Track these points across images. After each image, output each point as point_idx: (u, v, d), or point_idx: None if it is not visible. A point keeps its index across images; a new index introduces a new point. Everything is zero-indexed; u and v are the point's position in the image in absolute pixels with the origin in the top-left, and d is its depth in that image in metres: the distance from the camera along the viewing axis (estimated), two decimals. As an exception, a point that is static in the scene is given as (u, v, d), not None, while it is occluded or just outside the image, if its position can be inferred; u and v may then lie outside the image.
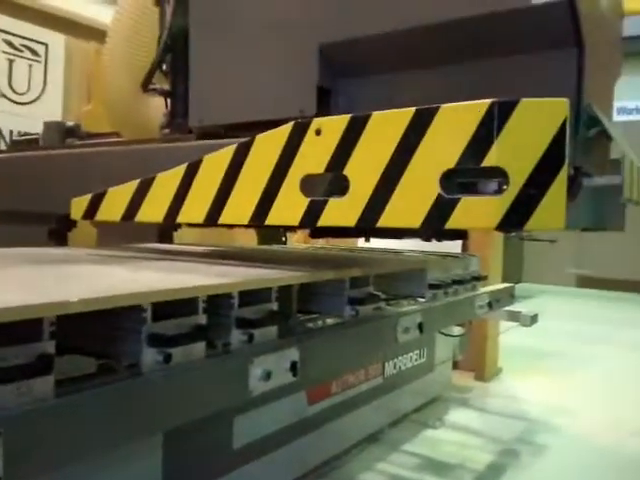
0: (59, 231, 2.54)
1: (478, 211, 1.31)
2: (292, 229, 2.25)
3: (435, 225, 1.35)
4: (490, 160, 1.28)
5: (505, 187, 1.28)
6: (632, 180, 1.56)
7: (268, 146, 1.59)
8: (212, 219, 1.67)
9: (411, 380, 3.50)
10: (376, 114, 1.42)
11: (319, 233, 2.33)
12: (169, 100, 2.17)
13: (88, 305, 1.13)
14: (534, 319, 3.46)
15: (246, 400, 1.58)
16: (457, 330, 4.04)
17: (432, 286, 2.63)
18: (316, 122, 1.52)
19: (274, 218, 1.59)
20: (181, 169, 1.72)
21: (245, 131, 1.74)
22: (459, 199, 1.33)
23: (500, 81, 1.48)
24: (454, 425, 3.49)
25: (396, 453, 3.04)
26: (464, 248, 4.20)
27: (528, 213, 1.27)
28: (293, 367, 1.67)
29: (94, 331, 1.44)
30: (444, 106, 1.34)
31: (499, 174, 1.28)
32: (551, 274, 10.12)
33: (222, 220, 1.66)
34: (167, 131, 2.12)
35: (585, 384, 4.43)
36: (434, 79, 1.60)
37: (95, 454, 1.22)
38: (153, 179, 1.76)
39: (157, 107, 2.35)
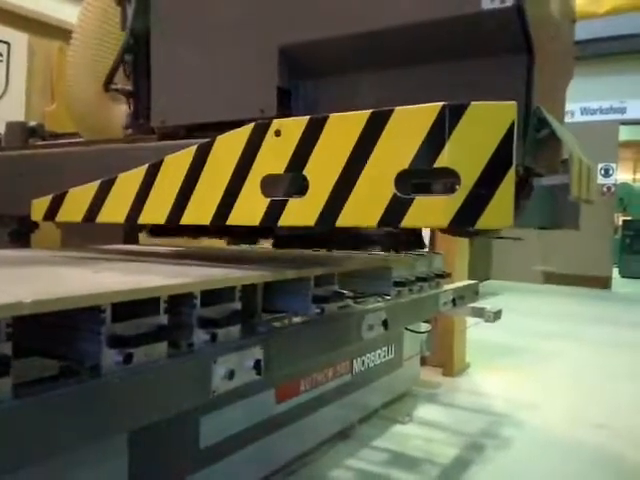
0: (20, 233, 2.51)
1: (431, 210, 1.35)
2: (256, 234, 2.24)
3: (390, 224, 1.39)
4: (442, 161, 1.32)
5: (456, 187, 1.32)
6: (580, 178, 1.61)
7: (229, 147, 1.60)
8: (173, 219, 1.68)
9: (380, 377, 3.55)
10: (333, 116, 1.45)
11: (283, 244, 2.35)
12: (131, 100, 2.16)
13: (42, 306, 1.13)
14: (497, 315, 3.54)
15: (209, 400, 1.58)
16: (424, 327, 4.11)
17: (397, 284, 2.67)
18: (276, 123, 1.54)
19: (235, 218, 1.60)
20: (142, 170, 1.71)
21: (208, 132, 1.75)
22: (413, 199, 1.36)
23: (452, 84, 1.53)
24: (422, 420, 3.55)
25: (365, 449, 3.09)
26: (431, 246, 4.27)
27: (478, 212, 1.31)
28: (257, 365, 1.68)
29: (55, 333, 1.43)
30: (398, 109, 1.37)
31: (450, 175, 1.32)
32: (518, 271, 10.33)
33: (184, 220, 1.67)
34: (129, 132, 2.11)
35: (548, 379, 4.55)
36: (390, 81, 1.63)
37: (54, 455, 1.22)
38: (114, 180, 1.76)
39: (121, 109, 2.34)
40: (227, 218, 1.60)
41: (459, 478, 2.78)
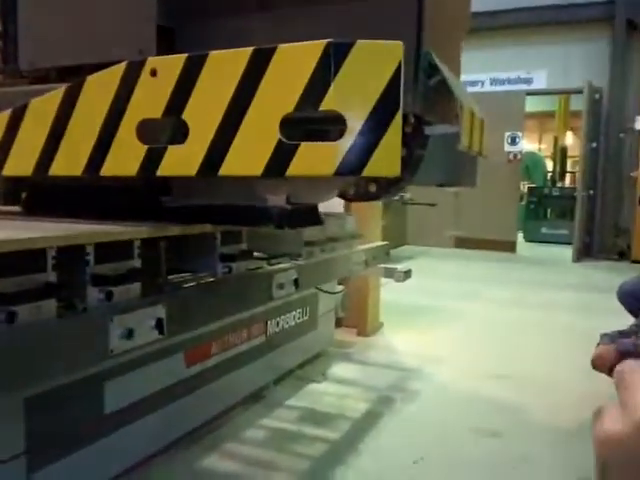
0: None
1: (317, 157, 1.30)
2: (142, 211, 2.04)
3: (275, 173, 1.33)
4: (327, 104, 1.27)
5: (342, 132, 1.27)
6: (472, 130, 1.64)
7: (100, 88, 1.48)
8: (41, 170, 1.54)
9: (294, 338, 3.57)
10: (213, 53, 1.37)
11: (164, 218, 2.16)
12: (1, 43, 1.96)
13: None
14: (407, 275, 3.66)
15: (108, 359, 1.52)
16: (338, 288, 4.19)
17: (308, 243, 2.68)
18: (151, 62, 1.43)
19: (110, 168, 1.49)
20: (5, 115, 1.56)
21: (82, 76, 1.60)
22: (298, 145, 1.31)
23: (341, 24, 1.48)
24: (336, 378, 3.63)
25: (280, 409, 3.11)
26: (346, 208, 4.32)
27: (365, 159, 1.27)
28: (159, 325, 1.64)
29: None
30: (281, 46, 1.31)
31: (336, 119, 1.27)
32: (432, 236, 10.73)
33: (53, 170, 1.54)
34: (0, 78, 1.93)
35: (456, 336, 4.77)
36: (279, 22, 1.56)
37: None
38: None
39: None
40: (100, 168, 1.49)
41: (369, 430, 2.87)
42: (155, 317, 1.62)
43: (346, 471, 2.47)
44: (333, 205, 3.81)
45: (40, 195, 1.97)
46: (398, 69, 1.25)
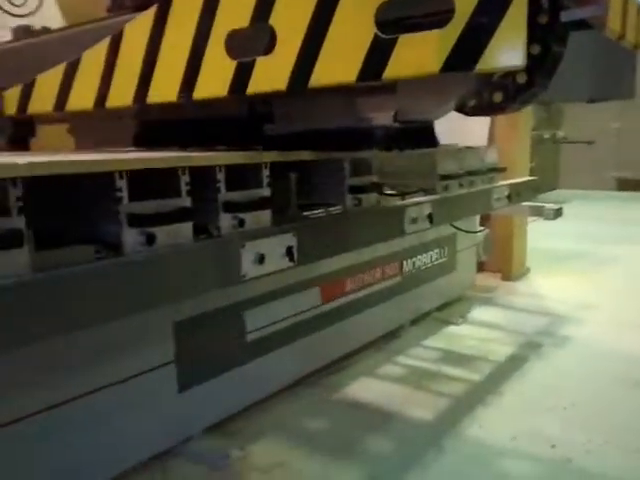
0: (17, 137, 2.29)
1: (418, 52, 1.10)
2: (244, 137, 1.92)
3: (371, 76, 1.17)
4: None
5: (449, 17, 1.06)
6: (626, 12, 1.30)
7: (188, 1, 1.42)
8: (139, 99, 1.50)
9: (432, 279, 3.47)
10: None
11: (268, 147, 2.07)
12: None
13: (36, 169, 1.09)
14: (558, 213, 3.32)
15: (240, 283, 1.57)
16: (480, 229, 3.98)
17: (444, 177, 2.54)
18: None
19: (202, 89, 1.43)
20: (105, 43, 1.53)
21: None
22: (397, 39, 1.12)
23: None
24: (477, 321, 3.47)
25: (416, 348, 3.06)
26: (490, 141, 4.04)
27: (479, 49, 1.05)
28: (289, 252, 1.65)
29: (79, 215, 1.44)
30: None
31: (443, 2, 1.07)
32: (589, 178, 9.74)
33: (151, 98, 1.50)
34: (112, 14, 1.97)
35: (610, 284, 4.28)
36: None
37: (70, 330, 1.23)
38: (79, 59, 1.58)
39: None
40: (193, 90, 1.44)
41: (512, 373, 2.71)
42: (285, 245, 1.63)
43: (486, 409, 2.36)
44: (475, 140, 3.57)
45: (150, 130, 2.00)
46: None
